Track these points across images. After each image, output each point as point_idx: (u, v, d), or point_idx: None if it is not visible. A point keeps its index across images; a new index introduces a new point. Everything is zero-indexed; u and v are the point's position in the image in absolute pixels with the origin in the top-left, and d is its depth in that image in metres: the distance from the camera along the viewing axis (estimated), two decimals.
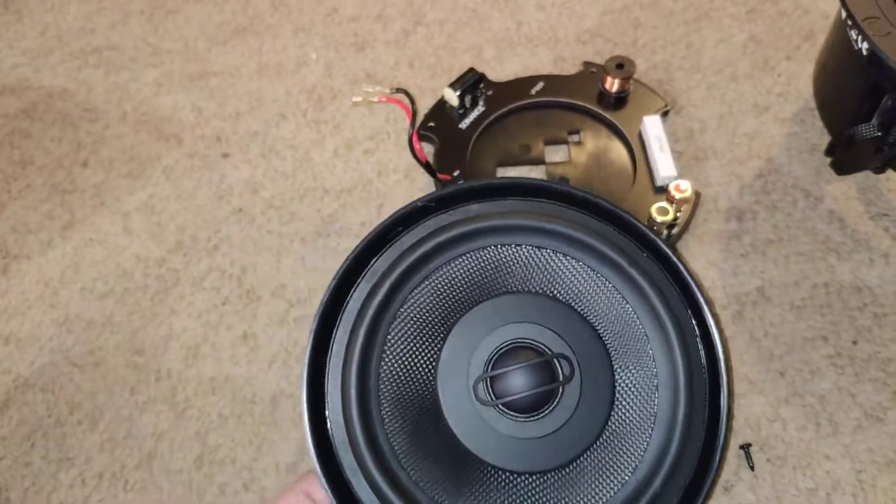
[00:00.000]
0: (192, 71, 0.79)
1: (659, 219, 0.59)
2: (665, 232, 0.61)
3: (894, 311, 0.58)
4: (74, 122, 0.76)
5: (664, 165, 0.64)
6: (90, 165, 0.72)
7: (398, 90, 0.62)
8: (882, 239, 0.62)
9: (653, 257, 0.44)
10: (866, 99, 0.56)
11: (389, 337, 0.43)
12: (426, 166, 0.62)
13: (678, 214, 0.61)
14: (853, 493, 0.51)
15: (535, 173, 0.67)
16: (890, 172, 0.64)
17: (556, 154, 0.68)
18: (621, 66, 0.69)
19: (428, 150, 0.69)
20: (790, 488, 0.51)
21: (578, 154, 0.68)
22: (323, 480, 0.39)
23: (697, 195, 0.64)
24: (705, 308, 0.42)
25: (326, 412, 0.41)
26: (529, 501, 0.41)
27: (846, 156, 0.57)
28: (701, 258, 0.62)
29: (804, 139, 0.68)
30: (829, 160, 0.60)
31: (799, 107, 0.70)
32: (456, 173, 0.66)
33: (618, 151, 0.68)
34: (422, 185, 0.67)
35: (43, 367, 0.60)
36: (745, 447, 0.53)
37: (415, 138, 0.60)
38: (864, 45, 0.54)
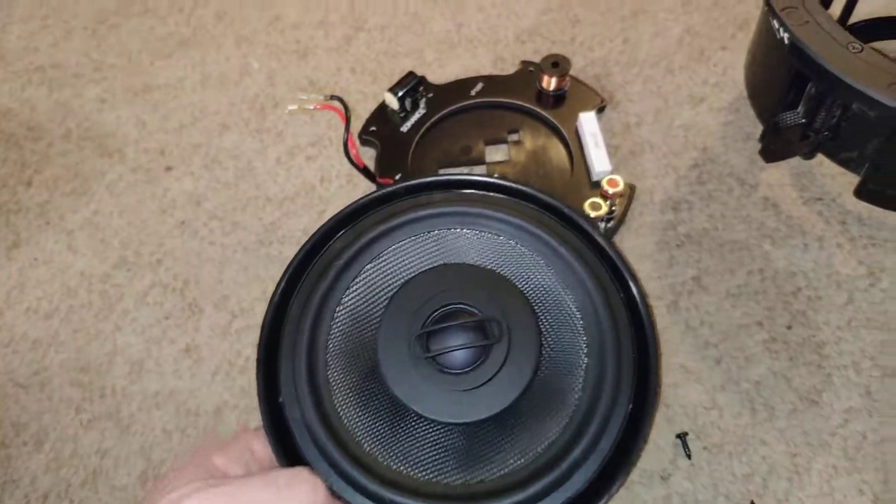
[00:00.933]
0: (136, 85, 0.79)
1: (592, 214, 0.60)
2: (601, 226, 0.61)
3: (828, 295, 0.59)
4: (18, 142, 0.76)
5: (599, 161, 0.65)
6: (34, 185, 0.72)
7: (332, 97, 0.62)
8: (815, 223, 0.63)
9: (583, 239, 0.47)
10: (792, 87, 0.57)
11: (339, 308, 0.45)
12: (364, 171, 0.63)
13: (613, 209, 0.62)
14: (788, 476, 0.52)
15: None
16: (822, 157, 0.65)
17: (496, 153, 0.69)
18: (556, 64, 0.70)
19: (371, 154, 0.69)
20: (727, 475, 0.52)
21: (518, 153, 0.69)
22: (267, 435, 0.41)
23: (632, 188, 0.65)
24: (627, 274, 0.45)
25: (278, 376, 0.44)
26: (461, 449, 0.43)
27: (774, 143, 0.58)
28: (636, 251, 0.62)
29: (739, 128, 0.69)
30: None
31: (734, 96, 0.71)
32: (398, 176, 0.67)
33: (556, 149, 0.69)
34: (364, 190, 0.68)
35: None
36: (682, 436, 0.53)
37: (350, 144, 0.60)
38: (786, 35, 0.55)
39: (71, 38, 0.84)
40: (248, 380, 0.58)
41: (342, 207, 0.46)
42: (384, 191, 0.48)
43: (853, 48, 0.51)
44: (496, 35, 0.79)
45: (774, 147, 0.58)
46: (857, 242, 0.62)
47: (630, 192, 0.65)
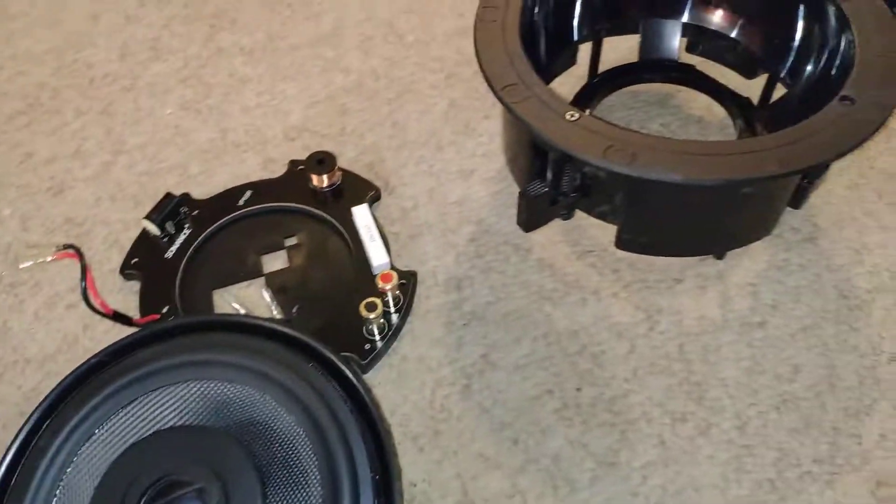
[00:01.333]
0: None
1: (371, 316, 0.58)
2: (382, 322, 0.60)
3: (611, 347, 0.60)
4: None
5: (376, 254, 0.64)
6: None
7: (66, 246, 0.58)
8: (590, 276, 0.64)
9: (329, 373, 0.45)
10: (535, 156, 0.58)
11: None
12: (115, 317, 0.58)
13: (397, 300, 0.61)
14: None
15: (253, 287, 0.65)
16: None
17: (273, 262, 0.67)
18: (322, 161, 0.69)
19: (136, 288, 0.65)
20: None
21: (297, 257, 0.67)
22: None
23: (413, 276, 0.64)
24: (370, 407, 0.43)
25: None
26: None
27: (526, 214, 0.59)
28: (426, 338, 0.61)
29: (509, 195, 0.70)
30: None
31: (501, 163, 0.72)
32: (165, 309, 0.63)
33: (336, 246, 0.67)
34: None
35: None
36: None
37: (94, 292, 0.56)
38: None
39: None
40: None
41: (41, 400, 0.42)
42: (83, 367, 0.46)
43: (571, 117, 0.52)
44: (263, 136, 0.77)
45: (528, 217, 0.59)
46: (631, 288, 0.63)
47: (412, 280, 0.64)
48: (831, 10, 0.59)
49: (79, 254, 0.57)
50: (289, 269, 0.66)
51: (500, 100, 0.54)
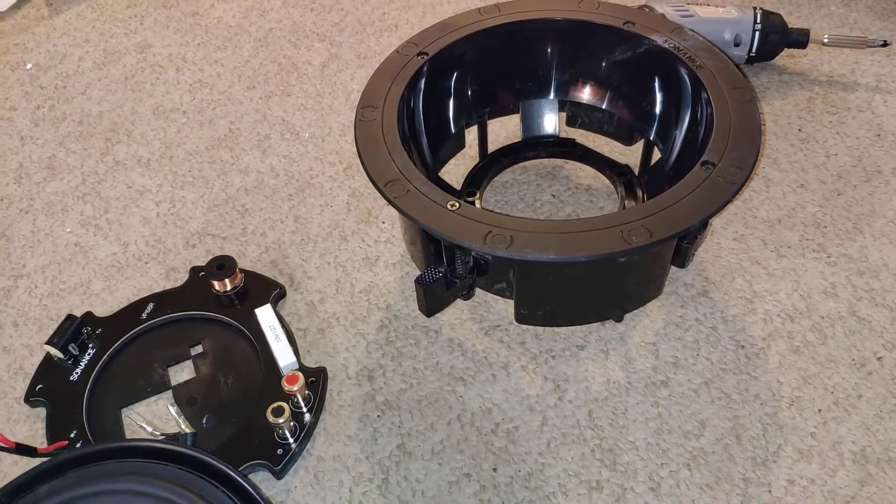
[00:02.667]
0: None
1: (280, 421, 0.58)
2: (293, 425, 0.59)
3: (524, 422, 0.61)
4: None
5: (282, 355, 0.64)
6: None
7: None
8: (499, 351, 0.65)
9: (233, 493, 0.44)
10: (430, 242, 0.60)
11: None
12: (18, 450, 0.57)
13: (307, 400, 0.61)
14: None
15: (161, 401, 0.64)
16: None
17: (180, 374, 0.66)
18: (221, 266, 0.69)
19: (42, 415, 0.63)
20: None
21: (203, 365, 0.66)
22: None
23: (322, 372, 0.64)
24: None
25: None
26: None
27: (426, 300, 0.60)
28: (341, 435, 0.61)
29: (414, 278, 0.71)
30: None
31: (404, 248, 0.74)
32: (73, 434, 0.61)
33: (243, 350, 0.67)
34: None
35: None
36: None
37: None
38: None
39: None
40: None
41: None
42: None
43: (452, 206, 0.54)
44: (165, 246, 0.77)
45: (428, 303, 0.60)
46: (538, 359, 0.64)
47: (322, 376, 0.64)
48: (686, 77, 0.63)
49: None
50: (196, 378, 0.65)
51: (384, 195, 0.56)
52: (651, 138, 0.69)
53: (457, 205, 0.54)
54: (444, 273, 0.59)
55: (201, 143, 0.89)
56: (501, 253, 0.51)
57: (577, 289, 0.59)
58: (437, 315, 0.68)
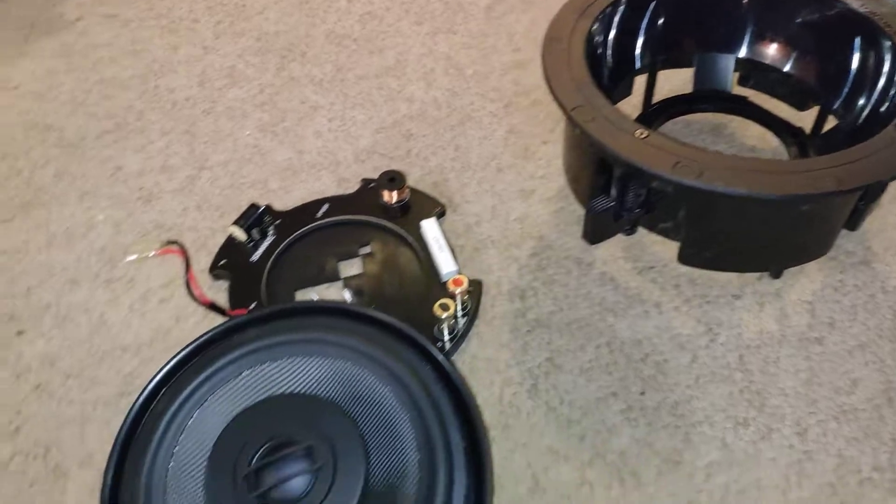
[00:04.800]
0: None
1: (443, 315, 0.62)
2: (453, 322, 0.63)
3: (674, 357, 0.63)
4: None
5: (445, 263, 0.68)
6: None
7: (169, 242, 0.63)
8: (652, 291, 0.67)
9: (419, 356, 0.48)
10: (600, 174, 0.62)
11: (171, 463, 0.46)
12: (212, 307, 0.63)
13: (466, 305, 0.64)
14: None
15: (332, 290, 0.69)
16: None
17: (350, 268, 0.71)
18: (393, 179, 0.74)
19: (223, 287, 0.69)
20: None
21: (371, 265, 0.71)
22: None
23: (479, 284, 0.67)
24: (459, 383, 0.47)
25: None
26: None
27: (592, 227, 0.62)
28: (493, 342, 0.64)
29: (570, 213, 0.74)
30: None
31: (560, 184, 0.76)
32: (253, 305, 0.67)
33: (406, 256, 0.71)
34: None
35: None
36: None
37: (193, 283, 0.60)
38: (579, 131, 0.60)
39: None
40: None
41: (161, 366, 0.46)
42: (198, 342, 0.50)
43: (640, 135, 0.56)
44: (336, 158, 0.82)
45: (594, 231, 0.62)
46: (692, 303, 0.66)
47: (478, 287, 0.67)
48: (887, 43, 0.63)
49: (182, 248, 0.61)
50: (363, 275, 0.70)
51: (571, 119, 0.59)
52: (832, 104, 0.69)
53: (645, 133, 0.56)
54: (615, 204, 0.61)
55: (370, 69, 0.93)
56: (690, 183, 0.53)
57: (749, 234, 0.60)
58: (591, 249, 0.70)
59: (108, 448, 0.59)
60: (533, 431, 0.59)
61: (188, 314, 0.69)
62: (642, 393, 0.61)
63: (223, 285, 0.70)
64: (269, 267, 0.70)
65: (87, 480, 0.59)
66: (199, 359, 0.50)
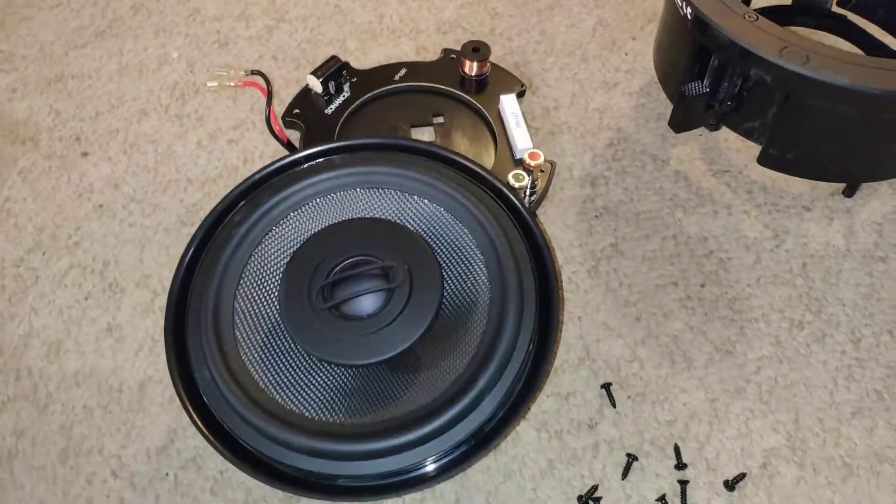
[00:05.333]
0: (49, 75, 0.77)
1: (516, 185, 0.62)
2: (524, 196, 0.63)
3: (738, 256, 0.63)
4: None
5: (521, 139, 0.67)
6: None
7: (253, 72, 0.63)
8: (724, 193, 0.67)
9: (496, 199, 0.49)
10: (696, 61, 0.61)
11: (244, 274, 0.47)
12: (287, 145, 0.63)
13: (536, 182, 0.64)
14: (709, 420, 0.55)
15: None
16: (727, 132, 0.69)
17: (422, 135, 0.71)
18: (477, 49, 0.72)
19: (295, 137, 0.69)
20: (651, 422, 0.54)
21: (443, 134, 0.70)
22: (181, 400, 0.43)
23: (552, 165, 0.67)
24: (527, 217, 0.48)
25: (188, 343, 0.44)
26: (368, 390, 0.44)
27: (681, 114, 0.62)
28: (558, 221, 0.65)
29: (650, 109, 0.73)
30: None
31: (644, 81, 0.75)
32: None
33: (480, 130, 0.71)
34: None
35: None
36: (606, 386, 0.55)
37: (273, 117, 0.60)
38: (689, 10, 0.59)
39: None
40: None
41: (244, 178, 0.47)
42: (284, 160, 0.50)
43: (749, 18, 0.55)
44: (417, 26, 0.81)
45: (681, 118, 0.62)
46: (762, 209, 0.66)
47: (551, 168, 0.67)
48: None
49: (265, 80, 0.61)
50: (435, 143, 0.70)
51: None
52: None
53: (755, 17, 0.55)
54: (707, 92, 0.60)
55: None
56: (795, 68, 0.52)
57: (836, 137, 0.59)
58: (666, 148, 0.70)
59: (166, 272, 0.61)
60: (589, 307, 0.60)
61: (255, 156, 0.69)
62: (702, 285, 0.61)
63: (292, 134, 0.70)
64: (342, 123, 0.70)
65: (142, 299, 0.61)
66: (280, 178, 0.50)
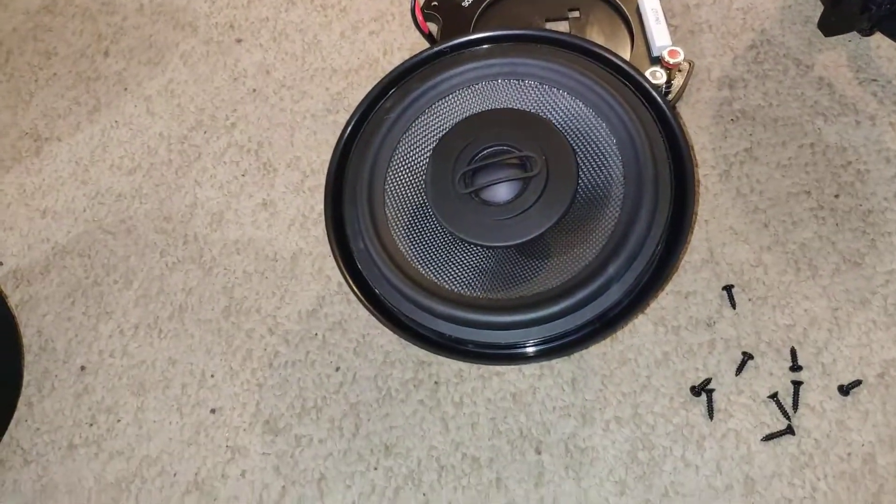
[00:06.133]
0: None
1: (654, 81, 0.62)
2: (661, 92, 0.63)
3: (877, 169, 0.61)
4: (94, 16, 0.79)
5: (660, 36, 0.66)
6: (111, 55, 0.76)
7: None
8: (869, 102, 0.64)
9: (636, 92, 0.50)
10: None
11: (393, 156, 0.51)
12: (429, 38, 0.65)
13: (672, 81, 0.64)
14: (829, 328, 0.55)
15: None
16: (880, 39, 0.66)
17: (557, 28, 0.71)
18: None
19: (433, 29, 0.71)
20: (769, 324, 0.56)
21: (579, 30, 0.70)
22: (337, 264, 0.48)
23: (691, 65, 0.66)
24: (675, 127, 0.49)
25: (344, 217, 0.49)
26: (505, 271, 0.48)
27: (834, 15, 0.59)
28: (692, 123, 0.65)
29: (797, 12, 0.70)
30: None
31: None
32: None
33: (616, 26, 0.70)
34: None
35: (79, 235, 0.65)
36: (728, 288, 0.57)
37: (417, 10, 0.62)
38: None
39: None
40: (320, 230, 0.63)
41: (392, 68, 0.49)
42: (430, 51, 0.52)
43: None
44: None
45: (834, 20, 0.59)
46: None
47: (689, 68, 0.66)
48: None
49: None
50: (577, 35, 0.70)
51: None
52: None
53: None
54: None
55: None
56: None
57: None
58: (811, 53, 0.67)
59: (314, 155, 0.66)
60: (717, 210, 0.60)
61: (395, 48, 0.72)
62: (836, 196, 0.60)
63: (431, 28, 0.71)
64: (478, 15, 0.71)
65: (293, 179, 0.66)
66: (427, 67, 0.53)
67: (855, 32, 0.66)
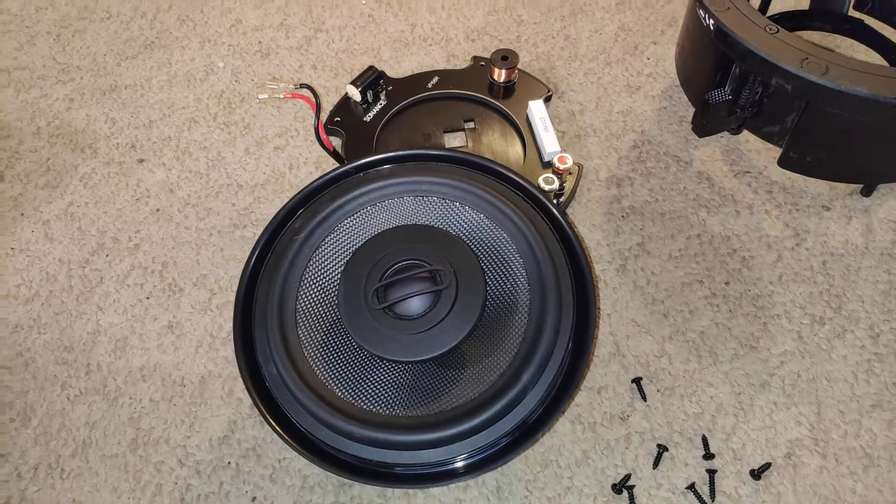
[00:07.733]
0: (103, 85, 0.81)
1: (546, 187, 0.65)
2: (554, 201, 0.67)
3: (760, 255, 0.66)
4: None
5: (549, 143, 0.71)
6: (6, 179, 0.74)
7: (302, 85, 0.67)
8: (745, 193, 0.70)
9: (531, 203, 0.53)
10: (718, 69, 0.64)
11: (304, 276, 0.51)
12: (334, 154, 0.67)
13: (564, 184, 0.68)
14: (734, 413, 0.58)
15: None
16: (748, 135, 0.72)
17: (454, 140, 0.74)
18: (506, 57, 0.76)
19: (336, 143, 0.73)
20: (679, 414, 0.58)
21: (474, 139, 0.74)
22: (250, 394, 0.47)
23: (580, 167, 0.70)
24: (562, 220, 0.52)
25: (254, 341, 0.48)
26: (420, 385, 0.49)
27: (704, 119, 0.65)
28: (587, 222, 0.68)
29: (672, 112, 0.76)
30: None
31: (666, 84, 0.78)
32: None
33: (509, 134, 0.74)
34: None
35: None
36: (637, 381, 0.59)
37: (321, 128, 0.64)
38: (711, 22, 0.62)
39: (35, 43, 0.86)
40: (229, 350, 0.61)
41: (300, 189, 0.51)
42: (337, 171, 0.54)
43: (770, 30, 0.58)
44: (447, 34, 0.84)
45: (705, 122, 0.65)
46: (782, 209, 0.69)
47: (578, 171, 0.70)
48: None
49: (313, 93, 0.65)
50: (467, 148, 0.73)
51: (705, 9, 0.60)
52: None
53: (775, 29, 0.58)
54: (730, 98, 0.63)
55: None
56: (815, 79, 0.55)
57: (854, 142, 0.62)
58: (688, 150, 0.73)
59: (221, 272, 0.66)
60: (618, 304, 0.63)
61: (301, 163, 0.73)
62: (727, 283, 0.64)
63: (333, 141, 0.74)
64: (380, 129, 0.74)
65: (200, 298, 0.65)
66: (334, 188, 0.54)
67: (725, 131, 0.72)
